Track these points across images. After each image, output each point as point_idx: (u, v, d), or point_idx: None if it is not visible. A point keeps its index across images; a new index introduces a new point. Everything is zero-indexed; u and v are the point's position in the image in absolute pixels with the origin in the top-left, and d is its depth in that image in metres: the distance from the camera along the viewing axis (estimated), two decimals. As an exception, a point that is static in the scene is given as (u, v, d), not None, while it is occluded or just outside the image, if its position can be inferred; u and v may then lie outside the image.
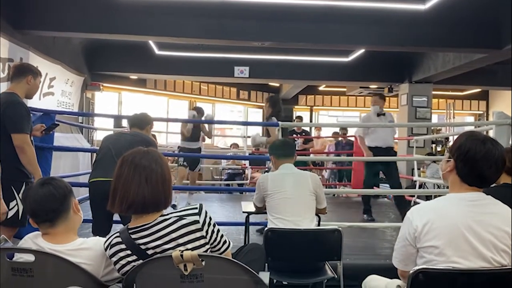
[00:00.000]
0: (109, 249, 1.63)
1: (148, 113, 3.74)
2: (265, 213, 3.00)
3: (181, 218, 1.60)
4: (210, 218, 1.65)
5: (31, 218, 1.70)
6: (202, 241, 1.61)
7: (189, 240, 1.59)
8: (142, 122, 3.60)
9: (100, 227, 3.17)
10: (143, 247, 1.59)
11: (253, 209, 3.20)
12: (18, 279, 1.55)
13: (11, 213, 2.83)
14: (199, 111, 6.08)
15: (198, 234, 1.60)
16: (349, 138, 9.32)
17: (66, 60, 7.49)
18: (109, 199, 1.64)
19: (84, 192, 5.84)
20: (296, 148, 8.59)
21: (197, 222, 1.60)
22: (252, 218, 3.55)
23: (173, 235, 1.58)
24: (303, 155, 8.23)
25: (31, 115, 3.44)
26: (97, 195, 3.12)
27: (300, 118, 10.67)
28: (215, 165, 10.97)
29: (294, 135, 8.98)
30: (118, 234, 1.64)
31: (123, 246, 1.61)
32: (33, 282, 1.56)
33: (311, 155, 8.85)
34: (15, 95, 2.99)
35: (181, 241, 1.58)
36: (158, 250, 1.59)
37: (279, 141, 3.20)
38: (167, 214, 1.63)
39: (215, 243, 1.66)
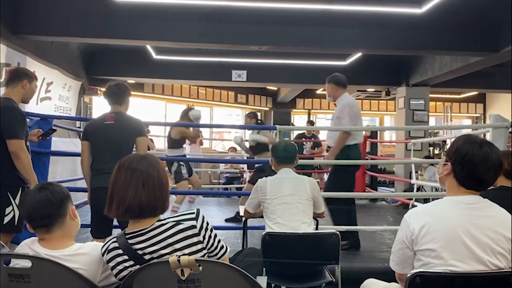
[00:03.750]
0: (106, 254, 1.63)
1: (122, 83, 3.36)
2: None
3: (178, 223, 1.60)
4: (207, 223, 1.65)
5: (27, 223, 1.70)
6: (199, 246, 1.61)
7: (186, 245, 1.59)
8: (119, 97, 3.24)
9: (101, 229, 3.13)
10: (140, 252, 1.59)
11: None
12: (15, 285, 1.55)
13: (7, 219, 2.82)
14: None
15: (195, 239, 1.60)
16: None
17: (63, 64, 7.49)
18: (106, 203, 1.64)
19: (82, 197, 5.83)
20: (304, 153, 8.62)
21: (194, 227, 1.60)
22: (250, 222, 3.54)
23: (170, 240, 1.58)
24: (310, 158, 8.21)
25: (28, 120, 3.42)
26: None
27: (311, 122, 10.67)
28: (213, 169, 10.96)
29: (303, 139, 8.98)
30: (115, 239, 1.63)
31: (120, 251, 1.60)
32: (30, 288, 1.55)
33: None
34: (10, 100, 2.97)
35: (178, 246, 1.58)
36: (155, 255, 1.58)
37: (282, 145, 3.13)
38: (164, 219, 1.63)
39: (212, 248, 1.66)
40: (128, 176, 1.61)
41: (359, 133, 4.28)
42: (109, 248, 1.63)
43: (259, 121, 5.94)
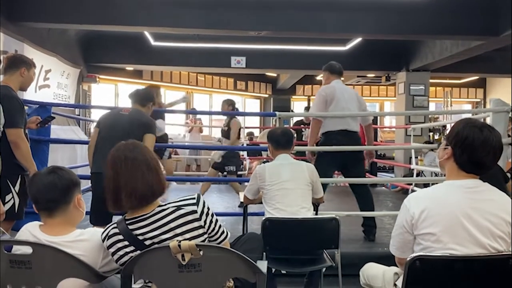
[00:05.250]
0: (107, 240, 1.63)
1: (151, 89, 3.61)
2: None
3: (178, 208, 1.60)
4: (208, 208, 1.65)
5: (33, 204, 1.70)
6: (200, 231, 1.61)
7: (187, 230, 1.59)
8: (143, 99, 3.44)
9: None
10: (140, 237, 1.59)
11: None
12: (17, 271, 1.56)
13: (7, 207, 2.81)
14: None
15: (196, 224, 1.60)
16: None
17: (61, 52, 7.44)
18: (111, 200, 1.63)
19: (83, 184, 5.85)
20: (303, 139, 8.61)
21: (195, 212, 1.60)
22: (250, 208, 3.55)
23: (171, 225, 1.58)
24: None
25: (27, 107, 3.40)
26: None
27: (308, 109, 10.64)
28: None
29: (302, 126, 8.97)
30: (115, 225, 1.64)
31: (120, 237, 1.61)
32: (32, 274, 1.56)
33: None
34: (8, 88, 2.94)
35: (179, 231, 1.58)
36: (156, 240, 1.59)
37: (278, 131, 3.13)
38: (165, 205, 1.63)
39: (213, 233, 1.66)
40: (129, 167, 1.61)
41: (330, 122, 4.08)
42: (109, 234, 1.63)
43: (236, 109, 6.17)
